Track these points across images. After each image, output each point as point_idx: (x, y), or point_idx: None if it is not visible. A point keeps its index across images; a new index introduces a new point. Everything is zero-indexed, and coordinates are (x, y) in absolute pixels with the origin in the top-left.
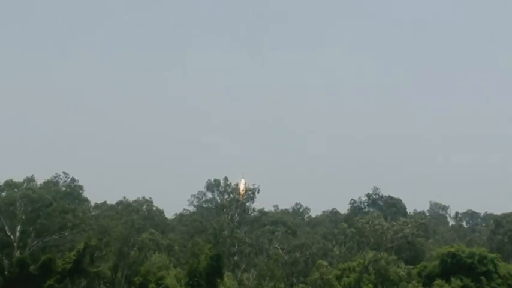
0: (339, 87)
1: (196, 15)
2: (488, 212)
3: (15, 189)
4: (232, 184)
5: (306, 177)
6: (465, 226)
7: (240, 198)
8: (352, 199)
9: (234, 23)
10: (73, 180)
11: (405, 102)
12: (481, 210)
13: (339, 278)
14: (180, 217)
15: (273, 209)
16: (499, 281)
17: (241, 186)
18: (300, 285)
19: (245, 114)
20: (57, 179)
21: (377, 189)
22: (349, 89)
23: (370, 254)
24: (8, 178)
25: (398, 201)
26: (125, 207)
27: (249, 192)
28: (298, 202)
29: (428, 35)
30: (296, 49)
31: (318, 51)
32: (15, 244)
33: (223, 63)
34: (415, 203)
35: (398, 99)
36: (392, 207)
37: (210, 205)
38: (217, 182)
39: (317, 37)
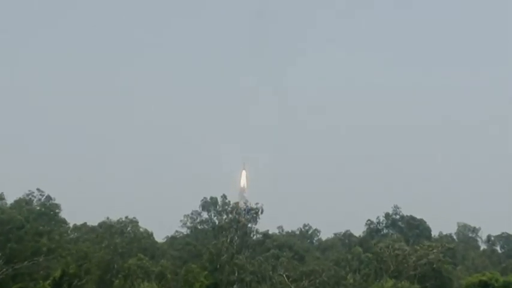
0: (342, 88)
1: (196, 15)
2: None
3: None
4: (232, 202)
5: (314, 194)
6: (499, 251)
7: (243, 197)
8: (368, 220)
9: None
10: (49, 198)
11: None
12: None
13: None
14: (172, 240)
15: (277, 231)
16: None
17: (243, 181)
18: None
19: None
20: (30, 196)
21: (398, 208)
22: (354, 89)
23: (390, 283)
24: None
25: (422, 222)
26: (106, 229)
27: (252, 212)
28: (306, 223)
29: (429, 35)
30: (296, 48)
31: (318, 51)
32: None
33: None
34: (441, 225)
35: (403, 100)
36: (415, 229)
37: (206, 226)
38: (214, 200)
39: (317, 37)
